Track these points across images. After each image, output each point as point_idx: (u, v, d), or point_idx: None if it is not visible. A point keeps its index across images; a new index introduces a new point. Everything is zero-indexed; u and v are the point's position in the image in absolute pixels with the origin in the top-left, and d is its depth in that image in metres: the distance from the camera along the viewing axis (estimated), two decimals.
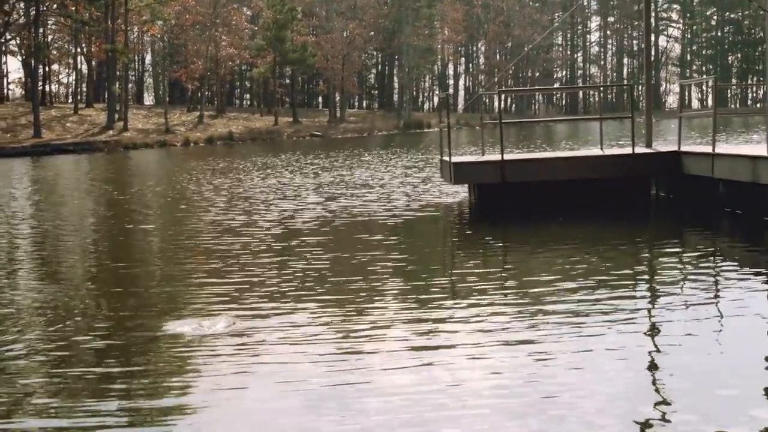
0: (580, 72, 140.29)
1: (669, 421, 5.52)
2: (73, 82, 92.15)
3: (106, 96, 79.33)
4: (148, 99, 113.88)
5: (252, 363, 7.03)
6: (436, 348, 7.31)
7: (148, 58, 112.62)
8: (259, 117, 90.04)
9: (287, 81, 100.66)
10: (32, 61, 74.03)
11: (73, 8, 72.41)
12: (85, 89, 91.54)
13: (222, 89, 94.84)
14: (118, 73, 78.53)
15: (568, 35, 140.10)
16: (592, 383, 6.26)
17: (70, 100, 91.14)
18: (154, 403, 6.16)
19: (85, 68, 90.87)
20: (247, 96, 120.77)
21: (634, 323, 7.93)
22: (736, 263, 11.25)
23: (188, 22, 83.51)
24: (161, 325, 8.31)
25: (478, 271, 10.89)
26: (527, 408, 5.77)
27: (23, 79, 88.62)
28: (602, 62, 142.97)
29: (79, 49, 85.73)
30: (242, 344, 7.53)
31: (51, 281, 11.34)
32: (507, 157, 18.11)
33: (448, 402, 5.97)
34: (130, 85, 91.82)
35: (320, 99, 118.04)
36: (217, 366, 6.97)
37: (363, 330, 7.98)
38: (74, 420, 5.85)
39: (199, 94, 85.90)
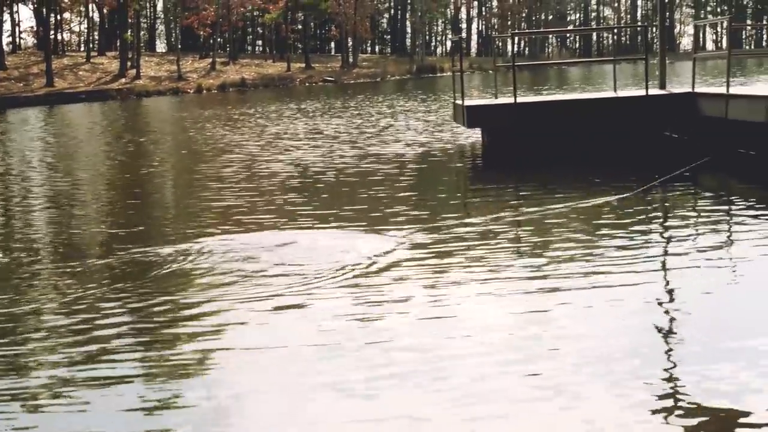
0: (593, 14, 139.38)
1: (676, 372, 5.55)
2: (85, 31, 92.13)
3: (118, 44, 79.21)
4: (161, 46, 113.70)
5: (268, 298, 7.10)
6: (444, 292, 7.35)
7: (160, 5, 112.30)
8: (271, 63, 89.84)
9: (299, 26, 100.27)
10: (44, 10, 73.87)
11: None
12: (97, 37, 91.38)
13: (234, 36, 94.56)
14: (129, 20, 78.36)
15: None
16: (602, 332, 6.25)
17: (82, 49, 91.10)
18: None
19: (96, 16, 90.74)
20: (259, 42, 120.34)
21: (646, 271, 7.85)
22: (750, 206, 11.22)
23: None
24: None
25: (488, 215, 10.90)
26: (533, 356, 5.79)
27: (35, 28, 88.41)
28: (616, 4, 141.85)
29: None
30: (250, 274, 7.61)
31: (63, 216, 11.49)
32: (520, 100, 18.07)
33: (455, 345, 6.01)
34: (142, 33, 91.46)
35: (333, 44, 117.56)
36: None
37: (370, 269, 8.07)
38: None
39: (211, 41, 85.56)
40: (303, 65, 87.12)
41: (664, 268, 8.00)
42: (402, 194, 13.09)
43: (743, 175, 14.02)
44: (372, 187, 13.87)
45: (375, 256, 8.62)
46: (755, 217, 10.23)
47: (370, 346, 6.03)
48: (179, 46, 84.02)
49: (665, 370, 5.41)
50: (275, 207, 12.34)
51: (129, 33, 75.74)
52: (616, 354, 5.68)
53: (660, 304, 6.85)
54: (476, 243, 9.15)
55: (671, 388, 5.14)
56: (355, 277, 7.86)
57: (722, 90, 16.56)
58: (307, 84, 75.79)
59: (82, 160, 21.37)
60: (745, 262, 8.10)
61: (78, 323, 6.82)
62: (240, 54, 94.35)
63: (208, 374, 5.73)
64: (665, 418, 4.74)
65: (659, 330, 6.20)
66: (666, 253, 8.58)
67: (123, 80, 69.37)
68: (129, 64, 73.12)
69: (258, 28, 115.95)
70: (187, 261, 8.83)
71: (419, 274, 7.91)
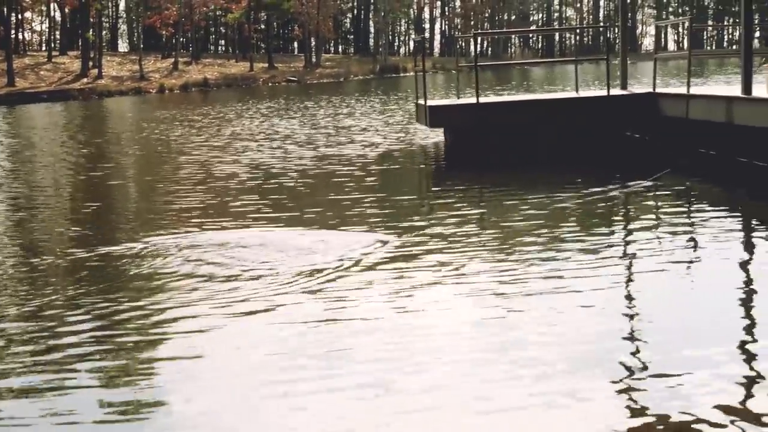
0: (556, 14, 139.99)
1: (639, 368, 5.52)
2: (47, 30, 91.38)
3: (80, 43, 78.70)
4: (123, 46, 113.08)
5: (230, 301, 7.01)
6: (408, 291, 7.29)
7: (122, 4, 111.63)
8: (234, 63, 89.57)
9: (262, 26, 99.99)
10: (4, 9, 73.26)
11: None
12: (58, 37, 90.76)
13: (196, 35, 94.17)
14: (91, 20, 77.88)
15: None
16: (564, 330, 6.25)
17: (43, 48, 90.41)
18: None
19: (58, 15, 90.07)
20: (222, 42, 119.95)
21: (607, 269, 7.86)
22: (710, 204, 11.26)
23: None
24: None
25: (451, 214, 10.84)
26: (496, 354, 5.76)
27: None
28: (578, 4, 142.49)
29: None
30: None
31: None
32: (482, 100, 18.06)
33: (417, 350, 5.94)
34: (104, 32, 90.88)
35: (296, 44, 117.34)
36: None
37: (332, 270, 7.97)
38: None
39: (174, 41, 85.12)
40: (266, 65, 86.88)
41: (627, 271, 7.97)
42: (363, 195, 13.01)
43: (704, 176, 14.03)
44: (334, 189, 13.79)
45: (337, 258, 8.53)
46: (716, 218, 10.24)
47: (329, 354, 5.94)
48: (141, 46, 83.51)
49: (628, 378, 5.35)
50: (231, 208, 12.19)
51: (91, 32, 75.28)
52: (578, 359, 5.63)
53: (623, 308, 6.80)
54: (439, 245, 9.07)
55: (635, 395, 5.09)
56: (315, 280, 7.76)
57: (683, 90, 16.60)
58: (270, 84, 75.61)
59: (37, 161, 21.12)
60: (707, 264, 8.10)
61: (37, 330, 6.69)
62: (203, 54, 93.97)
63: (160, 383, 5.62)
64: (627, 424, 4.69)
65: (623, 335, 6.15)
66: (628, 256, 8.54)
67: (85, 80, 68.92)
68: (91, 63, 72.66)
69: (221, 28, 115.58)
70: (140, 264, 8.72)
71: (381, 277, 7.82)
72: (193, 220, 11.25)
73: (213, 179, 15.35)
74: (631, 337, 6.10)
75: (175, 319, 6.81)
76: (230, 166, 17.13)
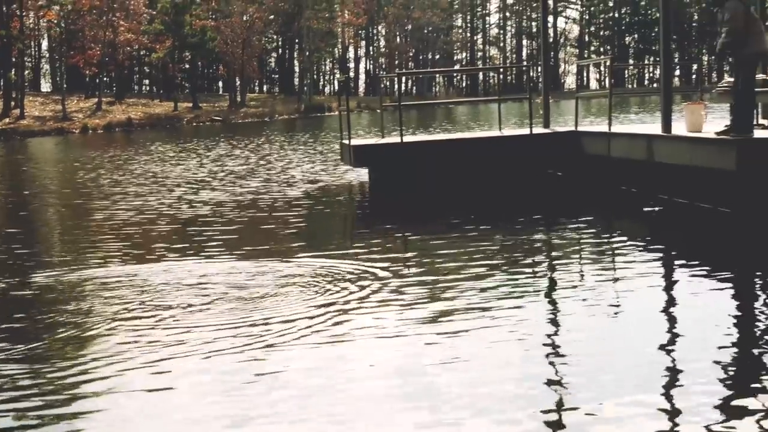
0: (480, 54, 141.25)
1: (561, 404, 5.54)
2: None
3: (1, 84, 77.83)
4: (45, 86, 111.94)
5: (171, 355, 6.92)
6: (333, 337, 7.24)
7: (45, 44, 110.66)
8: (158, 103, 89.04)
9: (187, 66, 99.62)
10: None
11: None
12: None
13: (120, 75, 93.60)
14: (13, 59, 77.06)
15: (468, 17, 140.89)
16: (488, 367, 6.26)
17: None
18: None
19: None
20: (147, 82, 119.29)
21: (530, 306, 7.91)
22: (631, 241, 11.37)
23: (85, 7, 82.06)
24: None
25: (375, 255, 10.82)
26: (417, 397, 5.72)
27: None
28: (502, 44, 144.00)
29: None
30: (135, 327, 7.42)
31: None
32: (406, 139, 18.14)
33: (338, 388, 5.92)
34: (26, 72, 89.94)
35: (220, 84, 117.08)
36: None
37: (257, 316, 7.89)
38: None
39: (97, 81, 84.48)
40: (190, 105, 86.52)
41: (549, 303, 8.02)
42: (285, 233, 12.97)
43: (625, 213, 14.18)
44: (257, 227, 13.73)
45: (261, 296, 8.48)
46: (638, 252, 10.34)
47: (249, 385, 5.91)
48: (65, 86, 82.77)
49: (549, 410, 5.36)
50: (142, 246, 12.08)
51: (12, 73, 74.45)
52: (501, 393, 5.63)
53: (545, 342, 6.82)
54: (361, 282, 9.03)
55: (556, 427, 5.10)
56: (236, 315, 7.69)
57: (605, 128, 16.81)
58: (194, 124, 75.24)
59: None
60: (629, 298, 8.16)
61: None
62: (127, 93, 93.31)
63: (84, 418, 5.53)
64: None
65: (545, 368, 6.16)
66: (551, 288, 8.61)
67: (6, 120, 68.10)
68: (12, 103, 71.83)
69: (145, 68, 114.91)
70: (56, 301, 8.59)
71: (303, 314, 7.77)
72: (99, 256, 11.13)
73: (127, 218, 15.18)
74: (554, 371, 6.11)
75: (95, 354, 6.72)
76: (144, 205, 16.96)
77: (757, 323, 7.33)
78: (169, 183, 21.53)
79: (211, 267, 10.30)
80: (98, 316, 8.10)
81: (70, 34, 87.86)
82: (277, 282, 9.25)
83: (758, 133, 13.41)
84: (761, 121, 15.39)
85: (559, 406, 5.48)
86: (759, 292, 8.40)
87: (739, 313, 7.65)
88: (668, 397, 5.57)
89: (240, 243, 12.29)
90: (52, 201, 19.59)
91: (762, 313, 7.62)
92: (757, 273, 9.21)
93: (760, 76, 14.56)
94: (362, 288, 8.82)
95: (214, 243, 12.17)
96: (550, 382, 5.93)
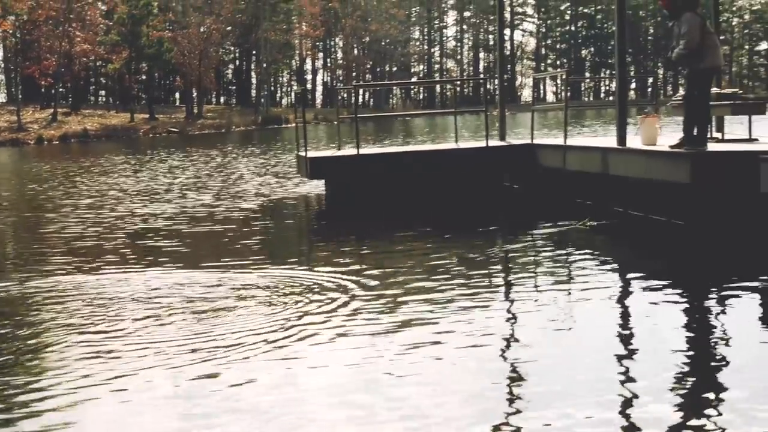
0: (437, 66, 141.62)
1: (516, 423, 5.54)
2: None
3: None
4: (0, 96, 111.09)
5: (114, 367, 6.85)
6: (289, 350, 7.20)
7: (0, 54, 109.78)
8: (114, 114, 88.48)
9: (143, 77, 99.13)
10: None
11: None
12: None
13: (76, 86, 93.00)
14: None
15: (425, 30, 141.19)
16: (443, 380, 6.26)
17: None
18: None
19: None
20: (103, 93, 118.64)
21: (485, 319, 7.93)
22: (586, 254, 11.41)
23: (41, 17, 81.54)
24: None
25: (332, 267, 10.79)
26: (373, 409, 5.73)
27: None
28: (459, 56, 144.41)
29: None
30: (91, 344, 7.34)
31: None
32: (363, 151, 18.15)
33: (296, 405, 5.89)
34: None
35: (177, 95, 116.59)
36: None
37: (213, 329, 7.82)
38: None
39: (53, 91, 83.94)
40: (147, 116, 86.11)
41: (505, 316, 8.01)
42: (240, 246, 12.92)
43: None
44: (211, 240, 13.66)
45: (215, 309, 8.42)
46: (593, 264, 10.38)
47: (203, 398, 5.87)
48: (20, 96, 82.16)
49: (504, 424, 5.36)
50: (95, 256, 12.00)
51: None
52: (456, 406, 5.62)
53: (500, 354, 6.83)
54: (317, 295, 9.00)
55: None
56: (192, 328, 7.64)
57: (560, 141, 16.88)
58: (151, 135, 74.86)
59: None
60: (583, 310, 8.21)
61: None
62: (83, 104, 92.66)
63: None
64: None
65: (500, 381, 6.17)
66: (506, 301, 8.64)
67: None
68: None
69: (101, 78, 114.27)
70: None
71: (259, 327, 7.72)
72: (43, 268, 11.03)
73: (75, 231, 15.07)
74: (509, 389, 6.11)
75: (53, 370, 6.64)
76: (96, 217, 16.84)
77: (710, 335, 7.38)
78: (122, 195, 21.37)
79: (166, 279, 10.23)
80: (52, 329, 8.04)
81: (25, 44, 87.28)
82: (232, 294, 9.20)
83: (712, 147, 13.51)
84: (715, 134, 15.52)
85: (514, 419, 5.48)
86: (712, 304, 8.46)
87: (694, 325, 7.70)
88: (621, 411, 5.58)
89: (195, 255, 12.24)
90: (2, 214, 19.38)
91: (715, 325, 7.68)
92: (711, 285, 9.25)
93: (714, 90, 14.68)
94: (319, 301, 8.79)
95: (169, 256, 12.10)
96: (504, 396, 5.94)
